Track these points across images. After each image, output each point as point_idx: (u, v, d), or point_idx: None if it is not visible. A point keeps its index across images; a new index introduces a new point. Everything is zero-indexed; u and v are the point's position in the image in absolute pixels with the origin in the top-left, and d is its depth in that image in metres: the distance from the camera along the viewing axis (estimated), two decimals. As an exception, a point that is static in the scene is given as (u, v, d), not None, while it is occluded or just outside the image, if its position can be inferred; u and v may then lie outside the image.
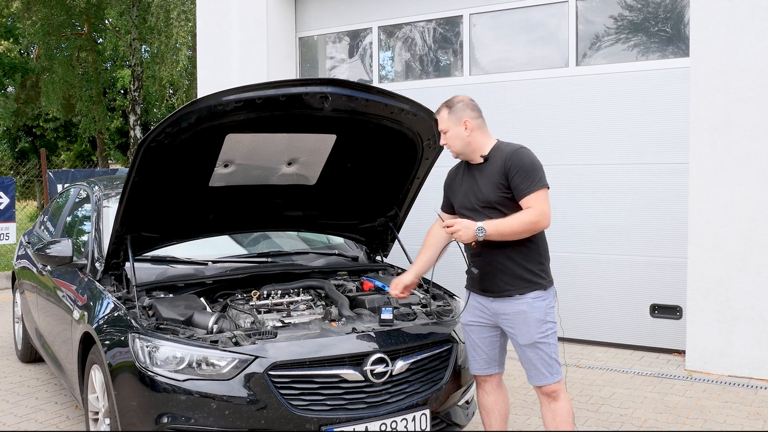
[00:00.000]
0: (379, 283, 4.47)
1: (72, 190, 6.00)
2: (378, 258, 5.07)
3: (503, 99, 7.45)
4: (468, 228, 3.48)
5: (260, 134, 3.90)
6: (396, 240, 4.93)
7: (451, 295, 4.56)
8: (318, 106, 3.79)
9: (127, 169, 3.75)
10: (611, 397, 5.56)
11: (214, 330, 3.64)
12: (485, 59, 7.81)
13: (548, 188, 3.57)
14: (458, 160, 3.84)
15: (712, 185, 6.10)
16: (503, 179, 3.56)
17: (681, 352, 6.65)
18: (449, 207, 3.89)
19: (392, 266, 4.97)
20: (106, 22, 24.98)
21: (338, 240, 5.22)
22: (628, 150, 6.84)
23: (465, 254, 3.79)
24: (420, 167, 4.50)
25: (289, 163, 4.23)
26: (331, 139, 4.14)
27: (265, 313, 3.96)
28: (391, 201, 4.73)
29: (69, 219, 5.58)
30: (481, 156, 3.68)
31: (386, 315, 3.88)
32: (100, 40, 26.09)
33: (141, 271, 4.18)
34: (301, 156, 4.19)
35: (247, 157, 4.01)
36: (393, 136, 4.21)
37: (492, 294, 3.67)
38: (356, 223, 4.83)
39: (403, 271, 4.90)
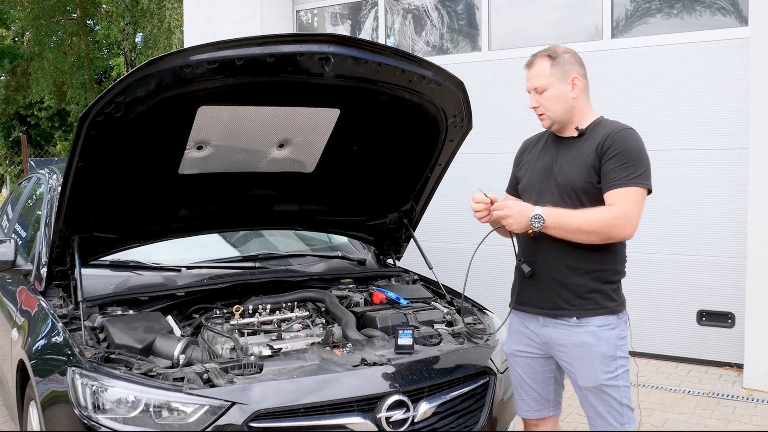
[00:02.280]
0: (392, 294, 3.62)
1: (32, 178, 5.14)
2: (390, 261, 4.22)
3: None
4: (521, 214, 2.70)
5: (242, 107, 3.06)
6: (411, 239, 4.08)
7: (481, 309, 3.70)
8: (317, 71, 2.96)
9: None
10: (665, 425, 4.70)
11: (181, 361, 2.79)
12: (506, 32, 6.92)
13: (649, 191, 2.74)
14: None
15: (777, 174, 5.24)
16: (597, 161, 2.74)
17: (734, 366, 5.82)
18: (514, 187, 3.08)
19: (407, 271, 4.13)
20: (102, 8, 24.14)
21: (341, 239, 4.37)
22: (673, 134, 5.95)
23: (516, 247, 2.94)
24: (443, 151, 3.66)
25: (281, 146, 3.37)
26: (333, 114, 3.29)
27: (249, 335, 3.11)
28: (407, 192, 3.89)
29: (22, 214, 4.72)
30: (576, 128, 2.85)
31: (404, 340, 3.03)
32: (97, 27, 25.22)
33: (96, 280, 3.35)
34: (295, 136, 3.34)
35: (226, 137, 3.16)
36: (410, 111, 3.38)
37: (542, 311, 2.83)
38: (364, 219, 3.97)
39: (421, 277, 4.07)
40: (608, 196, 2.68)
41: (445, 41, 7.42)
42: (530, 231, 2.73)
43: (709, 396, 5.30)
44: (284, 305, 3.41)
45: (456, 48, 7.35)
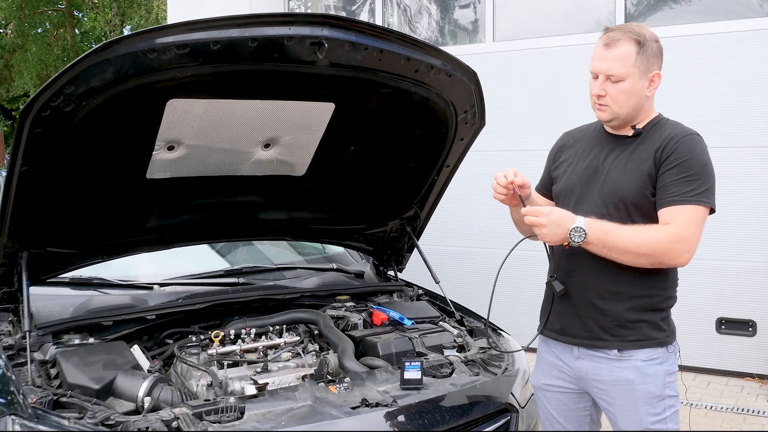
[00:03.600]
0: (395, 314, 3.17)
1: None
2: (391, 273, 3.77)
3: (533, 69, 6.13)
4: (559, 225, 2.25)
5: (220, 100, 2.61)
6: (415, 249, 3.64)
7: (495, 329, 3.26)
8: (308, 59, 2.51)
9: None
10: (693, 450, 4.29)
11: (146, 405, 2.33)
12: (512, 22, 6.46)
13: (712, 211, 2.31)
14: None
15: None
16: (654, 169, 2.30)
17: (756, 377, 5.40)
18: (546, 186, 2.63)
19: (410, 285, 3.68)
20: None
21: (336, 249, 3.91)
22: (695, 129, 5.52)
23: (550, 258, 2.50)
24: (452, 151, 3.22)
25: (267, 145, 2.92)
26: (327, 109, 2.84)
27: (230, 366, 2.66)
28: (410, 197, 3.44)
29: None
30: (632, 127, 2.41)
31: (412, 373, 2.57)
32: (84, 18, 24.61)
33: (52, 301, 2.90)
34: (283, 134, 2.88)
35: (201, 135, 2.70)
36: (416, 105, 2.94)
37: (576, 340, 2.40)
38: (362, 227, 3.52)
39: (426, 291, 3.62)
40: (664, 213, 2.24)
41: (444, 31, 6.97)
42: (566, 243, 2.29)
43: (733, 412, 4.88)
44: (271, 329, 2.96)
45: (456, 39, 6.90)
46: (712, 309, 5.52)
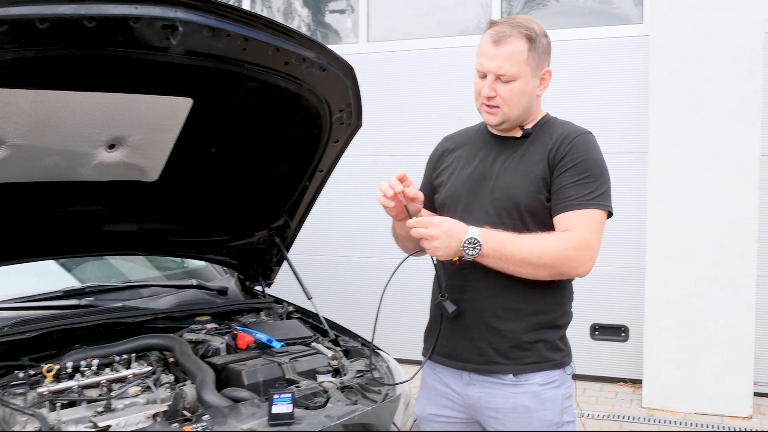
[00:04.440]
0: (262, 336, 2.84)
1: None
2: (258, 289, 3.42)
3: (411, 72, 5.96)
4: (451, 236, 2.00)
5: (52, 92, 2.19)
6: (285, 262, 3.31)
7: (373, 349, 2.98)
8: (159, 44, 2.17)
9: None
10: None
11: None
12: (388, 22, 6.25)
13: (610, 215, 2.13)
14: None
15: (678, 179, 4.87)
16: (548, 171, 2.10)
17: (629, 382, 5.46)
18: (427, 197, 2.35)
19: (279, 301, 3.35)
20: None
21: (199, 263, 3.52)
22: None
23: (440, 275, 2.23)
24: (325, 154, 2.94)
25: (111, 146, 2.52)
26: (183, 105, 2.48)
27: (65, 407, 2.25)
28: (279, 205, 3.12)
29: None
30: (521, 128, 2.20)
31: (281, 407, 2.25)
32: None
33: None
34: (131, 133, 2.50)
35: (29, 133, 2.28)
36: (286, 102, 2.64)
37: (467, 365, 2.16)
38: (225, 239, 3.16)
39: (297, 308, 3.31)
40: (562, 218, 2.05)
41: (314, 30, 6.68)
42: (455, 259, 2.05)
43: (609, 419, 4.87)
44: (118, 359, 2.55)
45: (326, 39, 6.63)
46: (586, 315, 5.53)
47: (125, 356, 2.56)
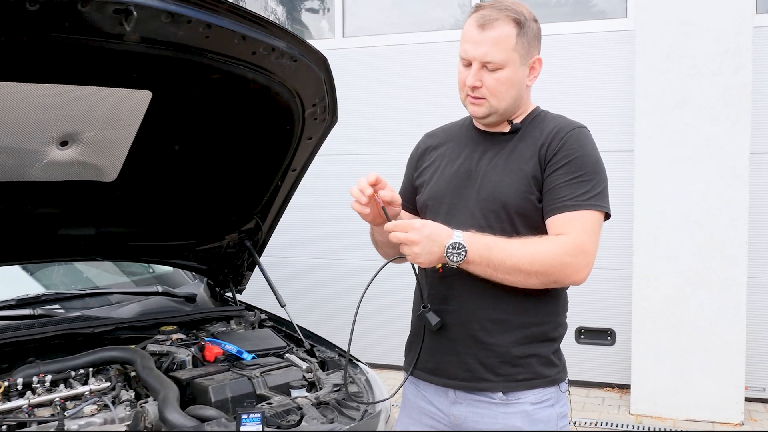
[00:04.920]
0: (232, 347, 2.65)
1: None
2: (228, 295, 3.23)
3: (388, 68, 5.78)
4: (433, 241, 1.82)
5: (-6, 83, 1.99)
6: (257, 267, 3.13)
7: (351, 360, 2.80)
8: (112, 31, 1.98)
9: None
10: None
11: None
12: (364, 17, 6.07)
13: (608, 216, 1.95)
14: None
15: (665, 179, 4.74)
16: (539, 169, 1.92)
17: (616, 387, 5.31)
18: (409, 198, 2.19)
19: (251, 308, 3.16)
20: None
21: (165, 268, 3.32)
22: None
23: (422, 284, 2.05)
24: (298, 152, 2.76)
25: (64, 143, 2.32)
26: (142, 98, 2.29)
27: (14, 428, 2.04)
28: (250, 207, 2.94)
29: None
30: (509, 122, 2.02)
31: (251, 427, 2.06)
32: None
33: None
34: (85, 130, 2.30)
35: (-31, 128, 2.07)
36: (255, 96, 2.45)
37: (453, 382, 1.99)
38: (191, 243, 2.96)
39: (270, 316, 3.13)
40: (555, 221, 1.87)
41: (286, 25, 6.48)
42: (438, 266, 1.87)
43: (598, 426, 4.71)
44: (74, 374, 2.35)
45: (304, 35, 6.43)
46: (571, 318, 5.33)
47: (82, 371, 2.37)
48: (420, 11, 5.85)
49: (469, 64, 1.97)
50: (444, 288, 1.98)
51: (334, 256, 5.88)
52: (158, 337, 2.73)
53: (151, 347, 2.63)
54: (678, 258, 4.75)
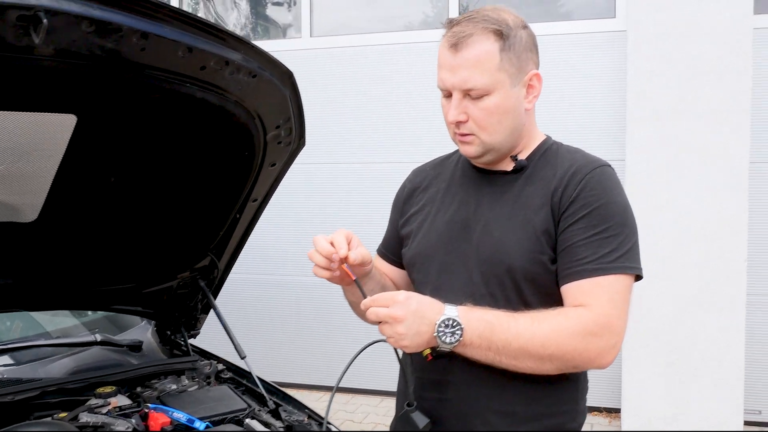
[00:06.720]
0: (181, 415, 2.22)
1: None
2: (181, 342, 2.80)
3: (360, 71, 5.37)
4: (422, 317, 1.43)
5: None
6: (212, 309, 2.70)
7: (320, 421, 2.39)
8: (17, 42, 1.55)
9: None
10: None
11: None
12: (333, 15, 5.64)
13: (639, 278, 1.56)
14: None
15: (659, 190, 4.41)
16: (551, 222, 1.54)
17: (604, 411, 4.99)
18: (394, 250, 1.83)
19: (206, 355, 2.73)
20: None
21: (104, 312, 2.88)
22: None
23: (407, 371, 1.65)
24: (259, 181, 2.34)
25: (-34, 179, 1.87)
26: (64, 124, 1.85)
27: None
28: (204, 243, 2.51)
29: None
30: (512, 158, 1.64)
31: None
32: None
33: None
34: (-7, 162, 1.86)
35: None
36: (205, 118, 2.02)
37: None
38: (131, 286, 2.52)
39: (228, 365, 2.72)
40: (573, 289, 1.50)
41: (251, 24, 6.04)
42: (427, 352, 1.47)
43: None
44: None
45: (265, 34, 6.00)
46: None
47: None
48: (394, 8, 5.45)
49: (449, 95, 1.58)
50: (437, 372, 1.59)
51: (302, 273, 5.47)
52: (93, 402, 2.29)
53: (84, 417, 2.20)
54: (673, 276, 4.45)
